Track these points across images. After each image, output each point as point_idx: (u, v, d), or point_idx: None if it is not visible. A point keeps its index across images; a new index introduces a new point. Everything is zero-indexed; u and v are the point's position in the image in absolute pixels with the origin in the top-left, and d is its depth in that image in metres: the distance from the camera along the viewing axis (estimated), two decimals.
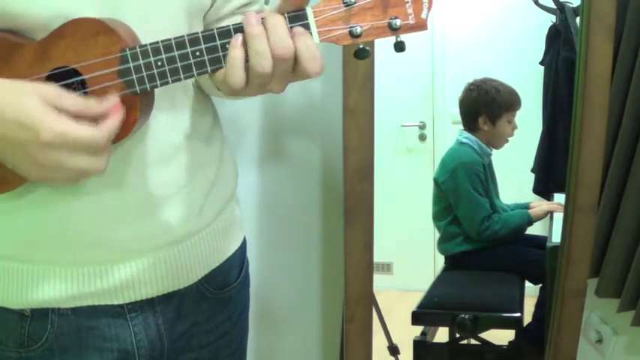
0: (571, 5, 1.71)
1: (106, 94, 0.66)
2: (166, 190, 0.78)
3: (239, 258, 0.93)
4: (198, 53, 0.66)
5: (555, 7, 1.74)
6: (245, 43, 0.65)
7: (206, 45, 0.66)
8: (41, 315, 0.76)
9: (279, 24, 0.65)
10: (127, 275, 0.77)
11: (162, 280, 0.80)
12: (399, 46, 0.67)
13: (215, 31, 0.66)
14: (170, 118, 0.79)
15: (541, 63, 1.80)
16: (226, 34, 0.66)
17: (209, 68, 0.66)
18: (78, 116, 0.62)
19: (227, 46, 0.66)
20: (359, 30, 0.66)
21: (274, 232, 1.60)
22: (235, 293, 0.92)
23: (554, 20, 1.75)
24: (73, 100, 0.63)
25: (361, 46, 0.68)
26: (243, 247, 0.95)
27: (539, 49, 1.79)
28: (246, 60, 0.66)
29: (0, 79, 0.63)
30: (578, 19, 1.57)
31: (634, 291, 1.38)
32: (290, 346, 1.65)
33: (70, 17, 0.67)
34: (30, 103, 0.61)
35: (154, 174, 0.77)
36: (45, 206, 0.73)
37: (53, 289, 0.75)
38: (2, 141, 0.62)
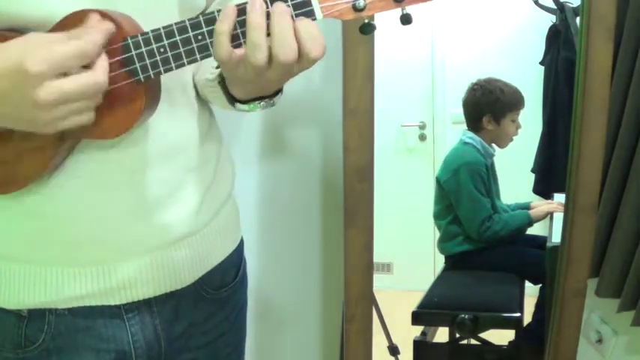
0: (571, 5, 1.71)
1: (110, 85, 0.65)
2: (163, 190, 0.78)
3: (236, 258, 0.93)
4: (200, 37, 0.65)
5: (555, 7, 1.74)
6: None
7: (208, 28, 0.65)
8: (38, 315, 0.76)
9: (285, 27, 0.63)
10: (123, 276, 0.77)
11: (159, 281, 0.80)
12: (405, 19, 0.66)
13: (216, 14, 0.65)
14: (168, 119, 0.79)
15: (541, 63, 1.80)
16: None
17: (213, 51, 0.66)
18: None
19: None
20: (362, 3, 0.65)
21: (274, 232, 1.60)
22: (233, 293, 0.92)
23: (554, 20, 1.75)
24: (51, 34, 0.62)
25: (366, 21, 0.66)
26: (240, 247, 0.95)
27: (539, 49, 1.79)
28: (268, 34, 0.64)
29: None
30: (578, 19, 1.57)
31: (634, 291, 1.38)
32: (290, 346, 1.65)
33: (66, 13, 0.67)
34: (13, 46, 0.60)
35: (151, 174, 0.77)
36: (41, 207, 0.73)
37: (50, 290, 0.75)
38: (1, 100, 0.60)
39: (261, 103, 0.78)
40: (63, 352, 0.77)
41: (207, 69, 0.82)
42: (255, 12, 0.63)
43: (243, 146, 1.53)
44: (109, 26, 0.64)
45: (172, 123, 0.80)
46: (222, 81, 0.78)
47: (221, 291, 0.89)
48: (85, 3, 0.68)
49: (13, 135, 0.67)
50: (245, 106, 0.78)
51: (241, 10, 0.64)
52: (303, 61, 0.66)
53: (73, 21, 0.65)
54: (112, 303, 0.78)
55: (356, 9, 0.65)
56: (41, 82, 0.58)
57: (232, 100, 0.79)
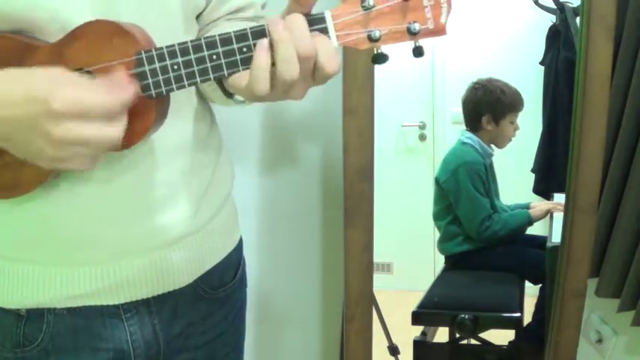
0: (571, 5, 1.71)
1: None
2: (162, 191, 0.78)
3: (235, 258, 0.93)
4: (215, 57, 0.65)
5: (555, 7, 1.74)
6: (271, 48, 0.64)
7: (223, 48, 0.65)
8: (37, 315, 0.76)
9: (301, 25, 0.64)
10: (122, 276, 0.77)
11: (157, 281, 0.80)
12: (418, 51, 0.67)
13: (232, 33, 0.65)
14: (169, 121, 0.79)
15: (541, 63, 1.80)
16: (244, 37, 0.65)
17: (226, 72, 0.66)
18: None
19: (244, 49, 0.65)
20: (378, 34, 0.65)
21: (274, 232, 1.60)
22: (232, 293, 0.92)
23: (554, 20, 1.75)
24: (81, 76, 0.62)
25: (379, 51, 0.67)
26: (239, 247, 0.95)
27: (539, 49, 1.79)
28: (272, 64, 0.65)
29: (8, 69, 0.62)
30: (578, 19, 1.57)
31: (634, 291, 1.38)
32: (290, 345, 1.65)
33: (66, 14, 0.66)
34: (39, 77, 0.60)
35: (151, 176, 0.77)
36: (40, 207, 0.73)
37: (49, 290, 0.75)
38: (14, 123, 0.60)
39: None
40: (62, 351, 0.77)
41: None
42: (279, 28, 0.64)
43: (243, 146, 1.53)
44: (137, 89, 0.64)
45: (174, 125, 0.80)
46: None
47: (219, 291, 0.89)
48: (84, 2, 0.68)
49: None
50: (242, 98, 0.79)
51: (260, 32, 0.65)
52: (317, 75, 0.66)
53: (85, 33, 0.65)
54: (111, 303, 0.78)
55: (371, 39, 0.66)
56: (60, 121, 0.58)
57: (228, 94, 0.79)
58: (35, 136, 0.60)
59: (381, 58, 0.67)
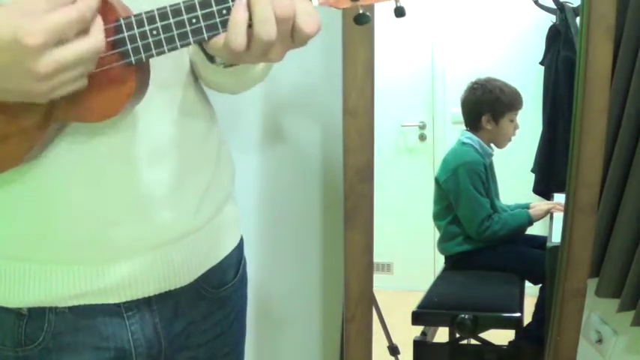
0: (571, 5, 1.71)
1: (101, 67, 0.64)
2: (162, 189, 0.78)
3: (236, 257, 0.93)
4: (194, 20, 0.64)
5: (555, 7, 1.74)
6: (249, 7, 0.64)
7: (202, 11, 0.64)
8: (38, 314, 0.76)
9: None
10: (123, 274, 0.77)
11: (158, 279, 0.80)
12: (399, 11, 0.65)
13: None
14: (167, 118, 0.79)
15: (541, 63, 1.80)
16: (223, 0, 0.64)
17: (205, 35, 0.65)
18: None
19: (224, 12, 0.64)
20: None
21: (274, 232, 1.60)
22: (232, 292, 0.92)
23: (554, 20, 1.75)
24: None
25: (361, 11, 0.66)
26: (240, 247, 0.95)
27: (539, 49, 1.79)
28: (249, 25, 0.64)
29: None
30: (578, 19, 1.57)
31: (634, 291, 1.38)
32: (290, 346, 1.65)
33: None
34: (1, 21, 0.58)
35: (151, 173, 0.77)
36: (41, 206, 0.73)
37: (50, 288, 0.75)
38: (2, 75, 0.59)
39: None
40: (63, 350, 0.77)
41: None
42: None
43: (243, 146, 1.53)
44: None
45: (172, 121, 0.80)
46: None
47: (220, 290, 0.89)
48: None
49: None
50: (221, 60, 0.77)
51: (225, 23, 0.64)
52: (296, 37, 0.65)
53: None
54: (112, 301, 0.78)
55: None
56: (40, 55, 0.57)
57: (211, 58, 0.78)
58: (21, 77, 0.59)
59: (363, 18, 0.66)
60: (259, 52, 0.66)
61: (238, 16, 0.64)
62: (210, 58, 0.78)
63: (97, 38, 0.61)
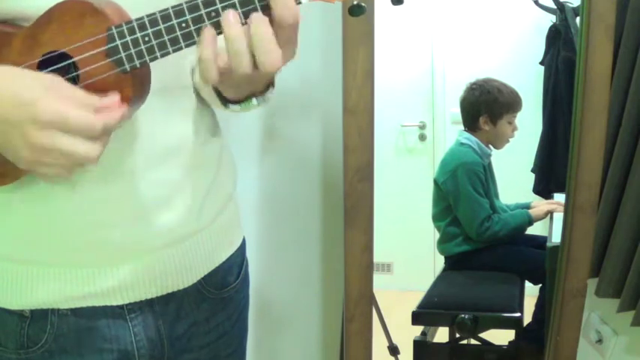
0: (571, 5, 1.71)
1: (98, 76, 0.65)
2: (164, 191, 0.78)
3: (238, 258, 0.93)
4: (184, 25, 0.65)
5: (555, 7, 1.74)
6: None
7: (191, 15, 0.65)
8: (41, 316, 0.76)
9: (265, 34, 0.63)
10: (125, 276, 0.77)
11: (161, 281, 0.80)
12: None
13: (199, 0, 0.65)
14: (167, 120, 0.79)
15: (541, 63, 1.80)
16: (211, 2, 0.65)
17: (196, 39, 0.66)
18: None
19: (212, 14, 0.65)
20: None
21: (274, 232, 1.60)
22: (235, 293, 0.92)
23: (554, 20, 1.75)
24: (73, 89, 0.63)
25: (355, 2, 0.66)
26: (242, 248, 0.95)
27: (539, 49, 1.79)
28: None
29: (2, 66, 0.63)
30: (578, 19, 1.57)
31: (634, 291, 1.38)
32: (290, 346, 1.65)
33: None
34: (31, 82, 0.61)
35: (152, 175, 0.77)
36: (43, 207, 0.73)
37: (52, 290, 0.75)
38: None
39: (254, 101, 0.78)
40: (66, 352, 0.77)
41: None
42: (230, 25, 0.63)
43: (243, 146, 1.53)
44: (125, 112, 0.64)
45: (173, 124, 0.80)
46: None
47: (223, 291, 0.89)
48: None
49: None
50: (237, 107, 0.78)
51: (216, 25, 0.64)
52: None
53: (58, 14, 0.65)
54: (115, 303, 0.78)
55: None
56: (42, 129, 0.60)
57: (225, 101, 0.79)
58: (14, 135, 0.61)
59: (357, 9, 0.66)
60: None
61: (206, 53, 0.64)
62: (224, 102, 0.79)
63: (95, 149, 0.62)
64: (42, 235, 0.74)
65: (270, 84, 0.78)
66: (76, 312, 0.76)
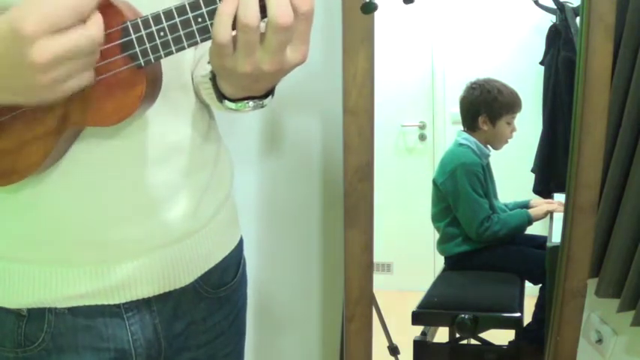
0: (571, 5, 1.71)
1: (110, 70, 0.64)
2: (162, 191, 0.78)
3: (236, 257, 0.93)
4: (200, 19, 0.64)
5: (555, 7, 1.74)
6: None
7: (207, 9, 0.64)
8: (38, 315, 0.76)
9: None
10: (123, 275, 0.77)
11: (158, 280, 0.80)
12: None
13: None
14: (167, 120, 0.79)
15: (541, 63, 1.80)
16: None
17: (212, 32, 0.64)
18: None
19: None
20: None
21: (274, 231, 1.60)
22: (232, 293, 0.92)
23: (554, 20, 1.75)
24: None
25: (367, 0, 0.65)
26: (239, 247, 0.95)
27: (539, 49, 1.79)
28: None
29: None
30: (578, 19, 1.57)
31: (634, 291, 1.38)
32: (290, 346, 1.65)
33: None
34: (7, 15, 0.57)
35: (150, 175, 0.77)
36: (41, 206, 0.73)
37: (49, 289, 0.75)
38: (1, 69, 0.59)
39: (250, 103, 0.76)
40: (63, 351, 0.77)
41: (202, 65, 0.82)
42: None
43: (242, 146, 1.53)
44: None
45: (172, 124, 0.80)
46: (213, 77, 0.77)
47: (220, 290, 0.89)
48: None
49: (14, 124, 0.67)
50: (233, 105, 0.76)
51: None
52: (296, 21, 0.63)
53: None
54: (112, 302, 0.78)
55: None
56: (35, 42, 0.56)
57: (221, 97, 0.78)
58: (21, 69, 0.58)
59: (370, 7, 0.65)
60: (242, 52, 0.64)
61: (226, 8, 0.62)
62: (220, 98, 0.77)
63: (91, 27, 0.59)
64: (39, 234, 0.74)
65: (270, 93, 0.77)
66: (74, 311, 0.76)
